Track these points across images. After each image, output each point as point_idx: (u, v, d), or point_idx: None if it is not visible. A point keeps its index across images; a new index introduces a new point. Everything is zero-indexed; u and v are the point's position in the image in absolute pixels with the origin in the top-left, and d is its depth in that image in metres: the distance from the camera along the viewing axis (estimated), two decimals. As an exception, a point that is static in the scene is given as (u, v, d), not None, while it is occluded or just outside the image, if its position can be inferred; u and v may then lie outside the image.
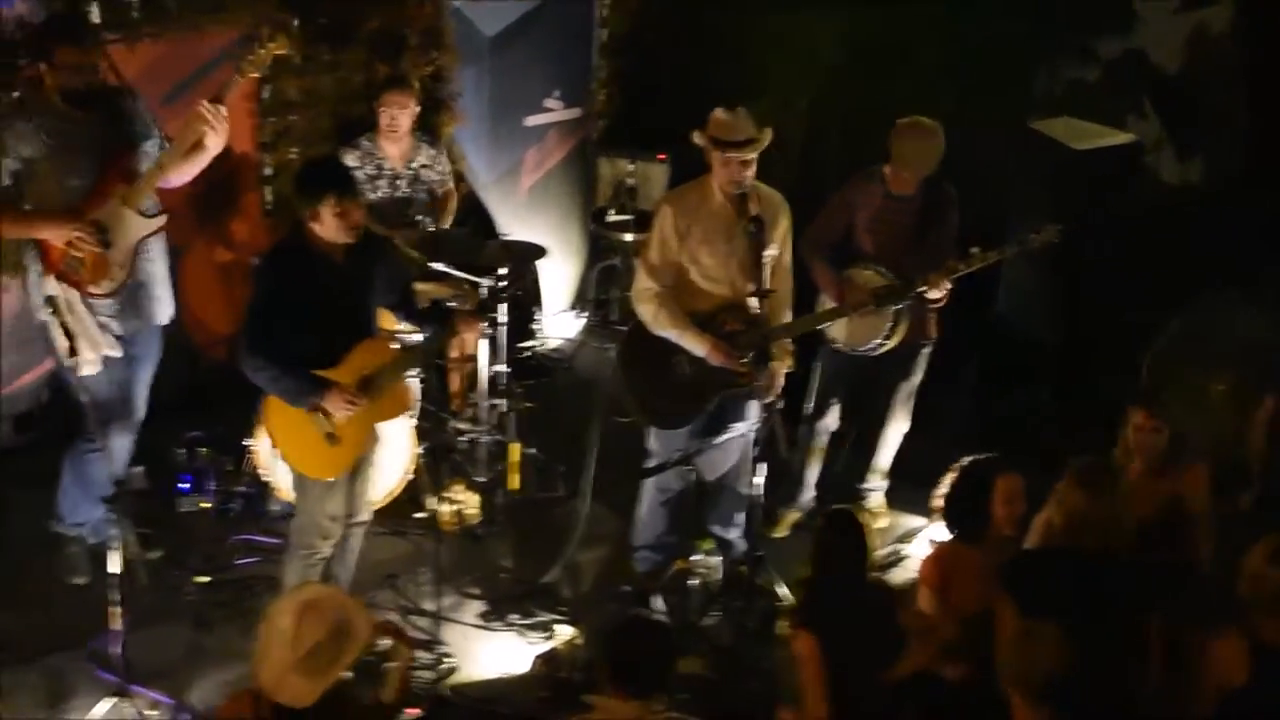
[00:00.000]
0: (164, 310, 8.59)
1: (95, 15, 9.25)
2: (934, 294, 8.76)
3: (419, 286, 9.25)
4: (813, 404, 9.46)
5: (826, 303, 9.04)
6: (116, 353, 8.30)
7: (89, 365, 7.99)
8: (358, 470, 8.01)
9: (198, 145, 8.10)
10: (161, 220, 8.39)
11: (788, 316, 8.57)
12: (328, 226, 7.46)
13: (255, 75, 8.61)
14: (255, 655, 5.95)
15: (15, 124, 8.03)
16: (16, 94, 8.54)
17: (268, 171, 10.48)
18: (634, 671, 6.26)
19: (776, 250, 8.39)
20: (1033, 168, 10.45)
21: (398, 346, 8.13)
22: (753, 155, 8.16)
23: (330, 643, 5.85)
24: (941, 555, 7.59)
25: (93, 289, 8.18)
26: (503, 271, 9.52)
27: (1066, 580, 6.81)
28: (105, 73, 8.61)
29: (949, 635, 7.13)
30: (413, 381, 9.27)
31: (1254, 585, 6.55)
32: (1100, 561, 6.82)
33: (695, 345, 8.31)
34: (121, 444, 8.55)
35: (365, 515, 8.24)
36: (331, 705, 5.93)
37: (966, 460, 7.67)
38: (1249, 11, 11.15)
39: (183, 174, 8.25)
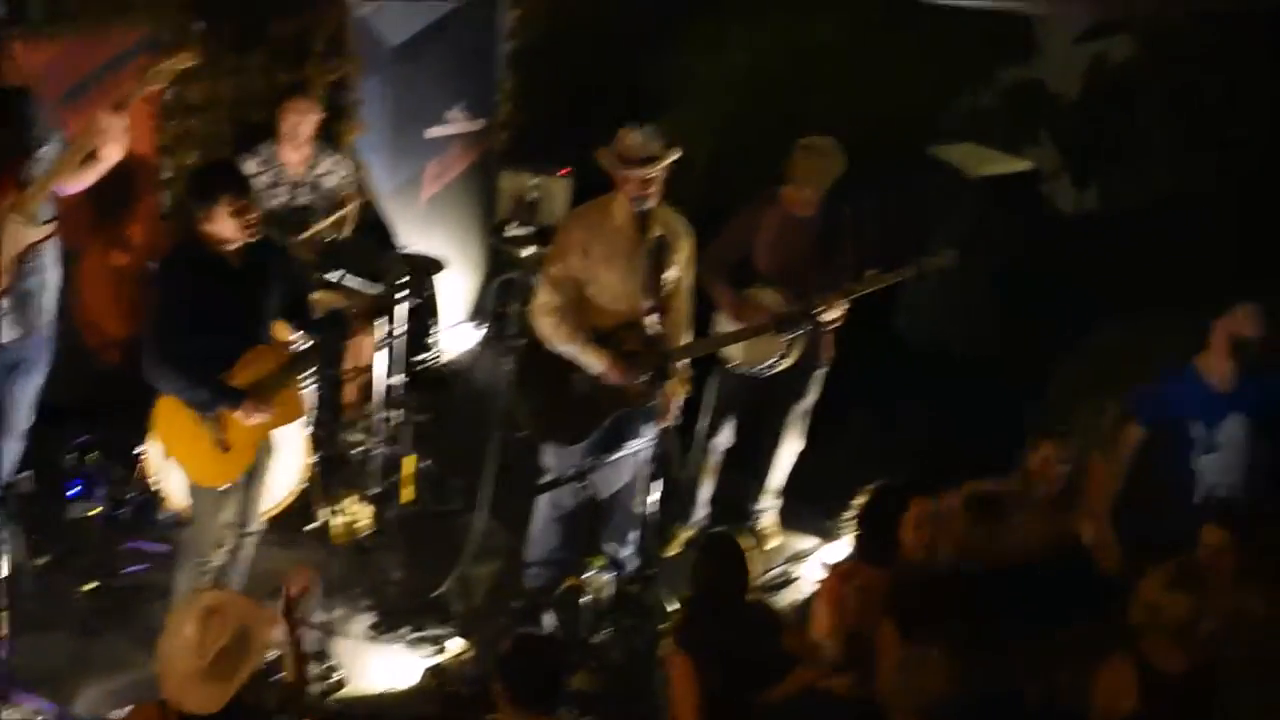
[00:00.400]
0: (45, 320, 8.50)
1: (-3, 10, 9.16)
2: (830, 315, 8.82)
3: (315, 295, 9.22)
4: (707, 422, 9.49)
5: (724, 322, 9.07)
6: None
7: None
8: (251, 478, 7.99)
9: (94, 154, 8.03)
10: (50, 228, 8.28)
11: (686, 338, 8.59)
12: (224, 226, 7.46)
13: (155, 87, 8.53)
14: (159, 664, 5.94)
15: None
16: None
17: (167, 175, 10.39)
18: (526, 687, 6.27)
19: (677, 272, 8.42)
20: (930, 192, 10.54)
21: (289, 352, 8.09)
22: (657, 173, 8.18)
23: (235, 647, 5.84)
24: (846, 574, 7.61)
25: None
26: (400, 280, 9.49)
27: (949, 605, 6.86)
28: (3, 73, 8.51)
29: (834, 655, 7.17)
30: (307, 391, 9.23)
31: (1149, 613, 6.64)
32: (984, 587, 6.87)
33: (593, 362, 8.31)
34: (7, 450, 8.46)
35: (257, 524, 8.21)
36: (237, 709, 5.91)
37: (880, 481, 7.71)
38: (1149, 44, 11.30)
39: (78, 182, 8.18)
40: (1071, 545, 7.71)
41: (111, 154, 8.06)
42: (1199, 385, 8.25)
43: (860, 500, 7.68)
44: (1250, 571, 7.18)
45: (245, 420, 7.62)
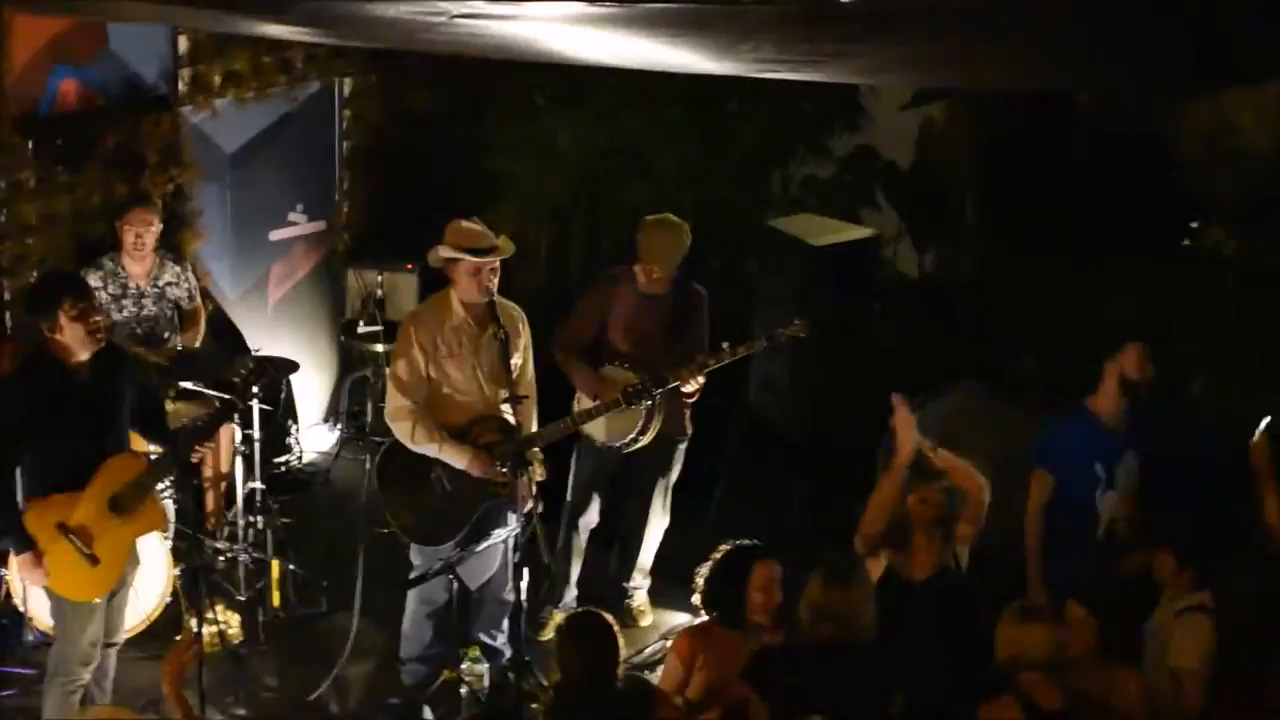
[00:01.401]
0: None
1: None
2: (687, 388, 8.88)
3: (170, 406, 9.14)
4: (573, 503, 9.49)
5: (583, 401, 9.09)
6: None
7: None
8: (114, 592, 7.90)
9: None
10: None
11: (534, 423, 8.60)
12: (69, 334, 7.41)
13: None
14: None
15: None
16: None
17: (6, 297, 10.26)
18: None
19: (520, 360, 8.46)
20: (775, 264, 10.64)
21: (148, 460, 8.02)
22: (498, 262, 8.22)
23: None
24: (696, 631, 7.69)
25: None
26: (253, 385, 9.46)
27: (809, 672, 6.90)
28: None
29: None
30: (166, 503, 9.13)
31: (1010, 650, 6.75)
32: (840, 651, 6.91)
33: (455, 458, 8.32)
34: None
35: (120, 637, 8.15)
36: None
37: (728, 545, 7.75)
38: (970, 107, 11.50)
39: None
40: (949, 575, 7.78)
41: None
42: (1093, 425, 8.43)
43: (708, 564, 7.73)
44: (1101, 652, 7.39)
45: (21, 575, 7.63)
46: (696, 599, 7.79)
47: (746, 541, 7.74)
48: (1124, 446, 8.44)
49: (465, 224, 8.38)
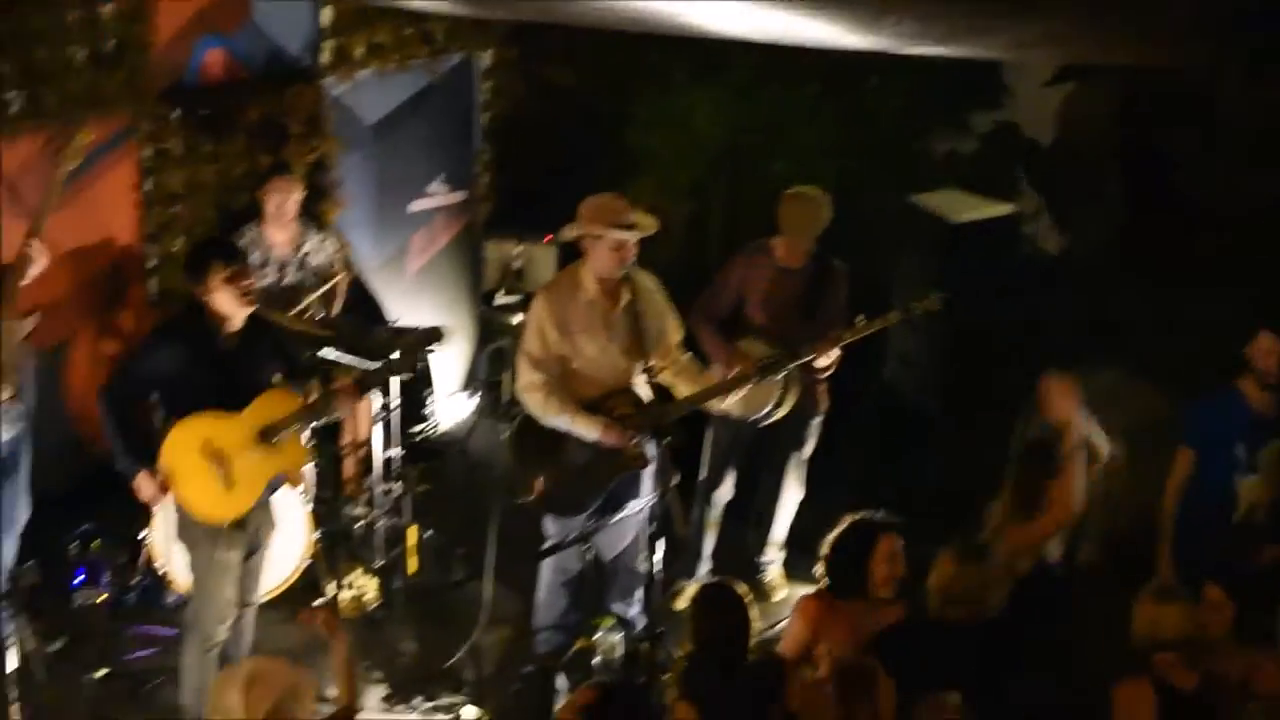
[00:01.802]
0: (31, 410, 8.60)
1: (-23, 110, 9.21)
2: (822, 362, 8.86)
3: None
4: (706, 475, 9.51)
5: (717, 375, 9.11)
6: None
7: None
8: (252, 553, 8.02)
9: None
10: (34, 321, 8.39)
11: (702, 381, 8.62)
12: (222, 297, 7.50)
13: (72, 166, 8.71)
14: None
15: None
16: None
17: (152, 263, 10.42)
18: None
19: (660, 324, 8.48)
20: (914, 240, 10.60)
21: (303, 399, 8.12)
22: (636, 237, 8.24)
23: (279, 711, 5.94)
24: (821, 597, 7.68)
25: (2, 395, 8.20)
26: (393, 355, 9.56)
27: (938, 650, 6.89)
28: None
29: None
30: (307, 468, 9.26)
31: (1146, 629, 6.72)
32: (970, 631, 6.90)
33: (588, 430, 8.35)
34: (7, 543, 8.49)
35: (256, 598, 8.28)
36: None
37: (852, 517, 7.76)
38: (1112, 84, 11.37)
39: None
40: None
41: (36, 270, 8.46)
42: (1240, 406, 8.36)
43: (831, 536, 7.77)
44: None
45: (138, 492, 7.74)
46: (819, 570, 7.81)
47: (871, 513, 7.74)
48: (1271, 432, 8.34)
49: (606, 199, 8.37)
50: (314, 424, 8.29)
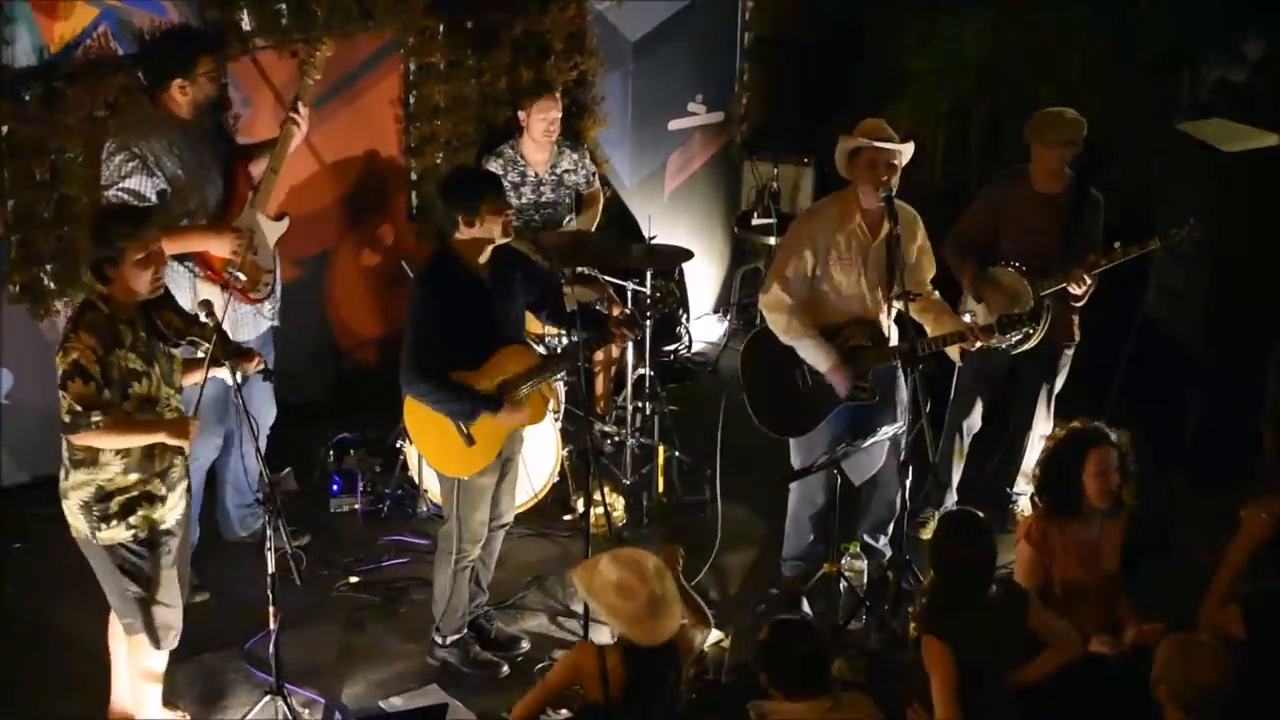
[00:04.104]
0: (275, 311, 8.77)
1: (246, 22, 9.35)
2: (1075, 290, 8.71)
3: (565, 290, 9.30)
4: (955, 403, 9.42)
5: (969, 303, 9.00)
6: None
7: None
8: (504, 474, 8.07)
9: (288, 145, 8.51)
10: (287, 224, 8.53)
11: (946, 322, 8.52)
12: (482, 231, 7.52)
13: (318, 77, 8.81)
14: (604, 612, 6.43)
15: (151, 141, 8.11)
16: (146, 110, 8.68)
17: (413, 176, 10.56)
18: (788, 673, 6.27)
19: (915, 259, 8.41)
20: (1181, 170, 10.34)
21: (542, 352, 8.16)
22: (903, 159, 8.15)
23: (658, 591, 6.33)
24: (1042, 518, 7.58)
25: (253, 295, 8.32)
26: (652, 282, 9.60)
27: None
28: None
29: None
30: (558, 384, 9.32)
31: None
32: None
33: (821, 360, 8.30)
34: (260, 444, 8.66)
35: (510, 518, 8.33)
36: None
37: (1062, 430, 7.68)
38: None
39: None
40: None
41: (299, 138, 8.59)
42: None
43: (1041, 453, 7.74)
44: None
45: (505, 424, 7.73)
46: (1032, 487, 7.74)
47: (1081, 425, 7.62)
48: None
49: (871, 119, 8.30)
50: (549, 378, 8.27)
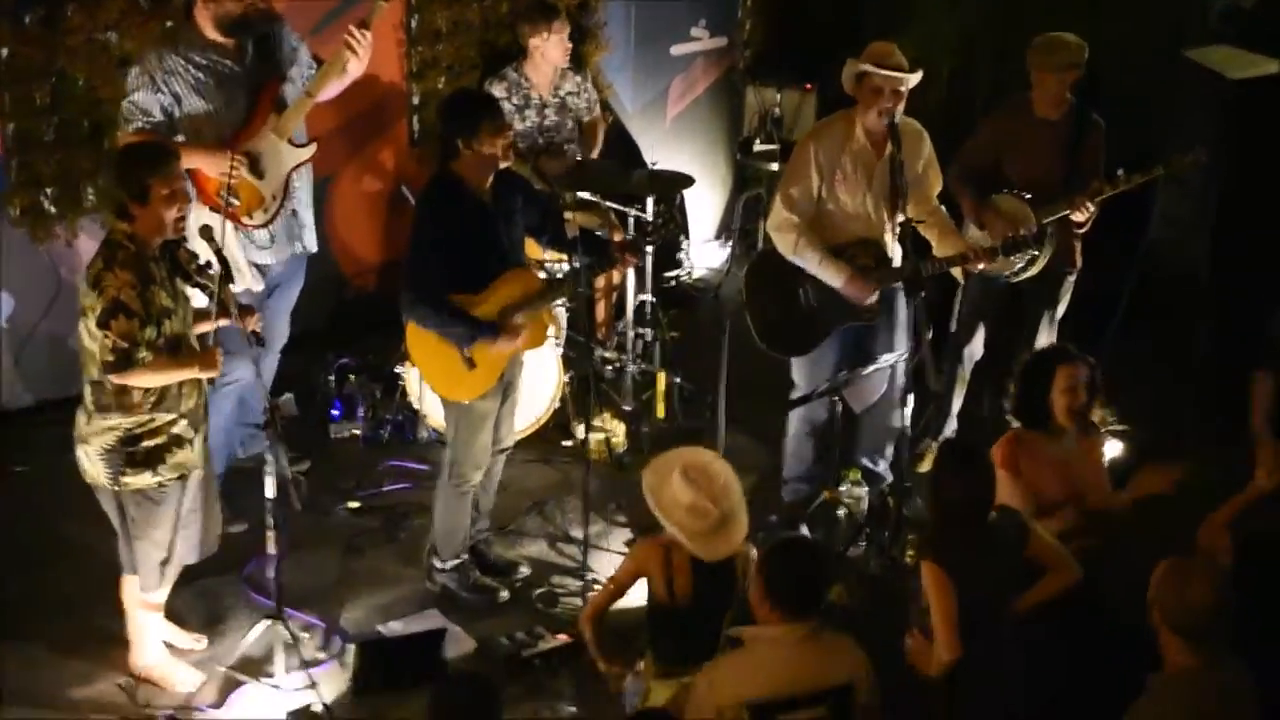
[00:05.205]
0: (310, 237, 8.66)
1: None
2: (1078, 217, 8.68)
3: (568, 215, 9.29)
4: (957, 331, 9.40)
5: (971, 231, 8.97)
6: (258, 286, 8.38)
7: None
8: (504, 398, 8.07)
9: (341, 70, 8.18)
10: (312, 150, 8.44)
11: (951, 241, 8.51)
12: (482, 155, 7.50)
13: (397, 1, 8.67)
14: (671, 525, 6.55)
15: (165, 58, 8.04)
16: (169, 24, 8.61)
17: (415, 101, 10.52)
18: (787, 590, 6.27)
19: (921, 173, 8.41)
20: (1190, 98, 10.29)
21: (543, 277, 8.15)
22: (909, 85, 8.12)
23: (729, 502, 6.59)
24: (1010, 440, 7.58)
25: (246, 220, 8.26)
26: (653, 208, 9.57)
27: None
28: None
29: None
30: (559, 310, 9.31)
31: None
32: None
33: (833, 275, 8.29)
34: (269, 369, 8.64)
35: (510, 442, 8.34)
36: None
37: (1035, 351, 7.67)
38: None
39: (325, 94, 8.32)
40: None
41: (355, 68, 8.24)
42: None
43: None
44: None
45: (502, 350, 7.72)
46: (1007, 405, 7.74)
47: (1054, 345, 7.63)
48: None
49: (880, 43, 8.26)
50: (550, 304, 8.25)
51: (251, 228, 8.31)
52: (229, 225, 8.05)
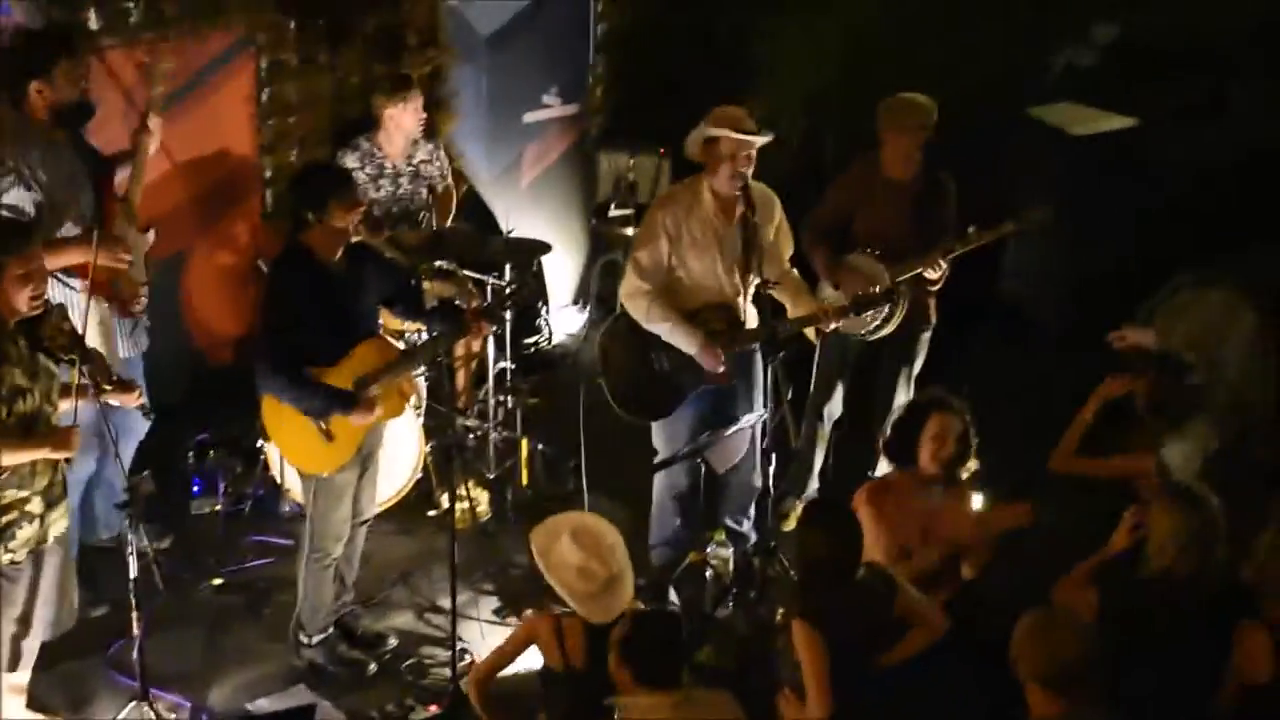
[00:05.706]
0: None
1: (93, 21, 9.21)
2: (931, 274, 8.79)
3: (425, 285, 9.27)
4: (815, 389, 9.47)
5: (826, 291, 9.05)
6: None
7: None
8: (365, 470, 8.03)
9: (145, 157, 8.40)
10: (153, 237, 8.45)
11: (805, 302, 8.56)
12: (333, 229, 7.47)
13: (160, 90, 8.67)
14: (559, 587, 6.72)
15: (27, 154, 7.89)
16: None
17: (267, 174, 10.47)
18: (647, 665, 6.29)
19: (774, 241, 8.46)
20: (1033, 154, 10.48)
21: (400, 347, 8.13)
22: (754, 150, 8.18)
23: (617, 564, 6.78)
24: (877, 483, 7.77)
25: (134, 308, 8.22)
26: (510, 275, 9.59)
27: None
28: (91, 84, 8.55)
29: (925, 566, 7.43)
30: (419, 380, 9.29)
31: (1258, 572, 6.58)
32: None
33: (686, 341, 8.33)
34: (125, 453, 8.54)
35: (371, 513, 8.32)
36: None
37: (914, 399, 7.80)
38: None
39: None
40: None
41: (153, 149, 8.45)
42: None
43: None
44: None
45: (357, 422, 7.68)
46: (881, 449, 7.85)
47: (931, 393, 7.79)
48: None
49: (733, 108, 8.32)
50: (416, 371, 8.25)
51: (139, 315, 8.34)
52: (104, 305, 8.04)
